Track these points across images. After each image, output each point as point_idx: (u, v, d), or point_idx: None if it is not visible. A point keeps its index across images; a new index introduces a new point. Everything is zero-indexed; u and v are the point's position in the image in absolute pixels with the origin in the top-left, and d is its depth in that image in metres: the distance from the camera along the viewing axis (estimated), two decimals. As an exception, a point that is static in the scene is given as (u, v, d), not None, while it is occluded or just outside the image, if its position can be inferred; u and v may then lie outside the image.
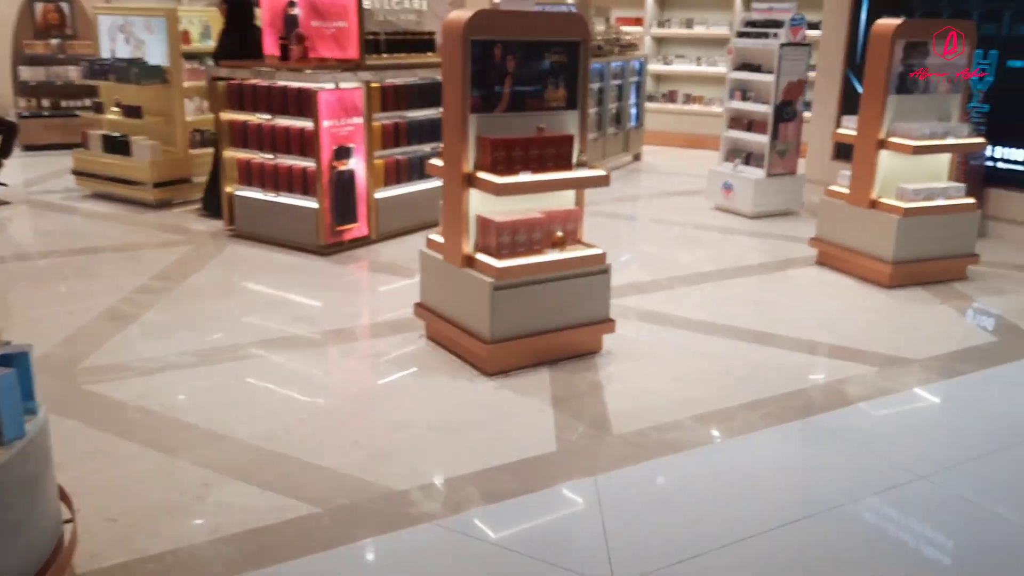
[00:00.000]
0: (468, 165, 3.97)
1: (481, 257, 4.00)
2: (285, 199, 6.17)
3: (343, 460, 3.22)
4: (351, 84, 6.03)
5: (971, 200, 5.60)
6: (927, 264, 5.50)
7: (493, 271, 3.91)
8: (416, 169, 6.71)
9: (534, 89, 4.07)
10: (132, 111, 7.37)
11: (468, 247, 4.07)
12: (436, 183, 6.83)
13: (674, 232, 6.92)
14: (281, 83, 6.02)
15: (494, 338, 3.95)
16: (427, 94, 6.71)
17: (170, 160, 7.38)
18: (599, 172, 4.13)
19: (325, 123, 5.83)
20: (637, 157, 10.41)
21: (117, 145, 7.47)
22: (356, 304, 5.20)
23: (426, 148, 6.81)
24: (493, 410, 3.68)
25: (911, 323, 4.87)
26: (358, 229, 6.24)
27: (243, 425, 3.48)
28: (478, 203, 4.05)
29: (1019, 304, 5.20)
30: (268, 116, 6.13)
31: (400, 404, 3.75)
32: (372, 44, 6.49)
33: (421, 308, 4.47)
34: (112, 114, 7.65)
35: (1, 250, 6.01)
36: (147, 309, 4.84)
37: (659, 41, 11.80)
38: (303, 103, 5.90)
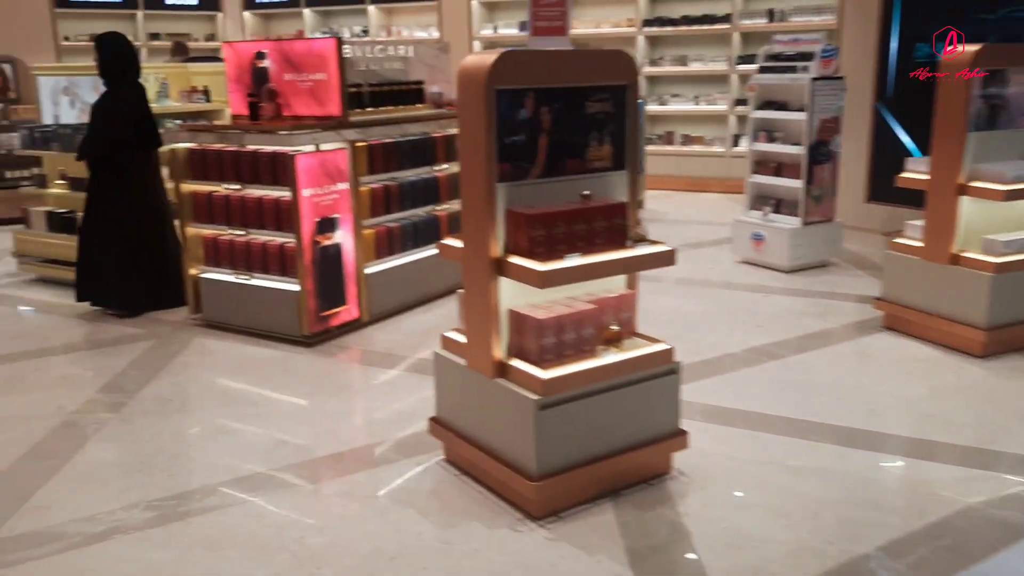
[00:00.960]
0: (497, 248, 3.08)
1: (519, 365, 3.10)
2: (260, 281, 5.24)
3: None
4: (333, 144, 5.16)
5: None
6: None
7: (537, 384, 3.01)
8: (410, 237, 5.83)
9: (574, 147, 3.22)
10: (79, 184, 6.42)
11: (500, 351, 3.16)
12: (432, 251, 5.95)
13: (708, 294, 6.07)
14: (251, 147, 5.14)
15: (542, 472, 3.03)
16: (419, 151, 5.86)
17: (125, 237, 6.43)
18: (662, 247, 3.26)
19: (305, 191, 4.94)
20: (641, 204, 9.62)
21: (63, 223, 6.52)
22: (351, 414, 4.25)
23: (420, 212, 5.93)
24: None
25: (1027, 405, 4.03)
26: (347, 312, 5.33)
27: (214, 625, 2.51)
28: (510, 293, 3.16)
29: None
30: (237, 186, 5.23)
31: (422, 572, 2.80)
32: (355, 97, 5.64)
33: (439, 425, 3.54)
34: (56, 187, 6.71)
35: (-81, 359, 5.02)
36: (90, 438, 3.87)
37: (652, 80, 11.10)
38: (278, 169, 5.01)
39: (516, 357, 3.15)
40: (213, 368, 4.81)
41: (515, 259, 3.03)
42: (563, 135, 3.18)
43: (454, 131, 6.16)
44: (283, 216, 5.06)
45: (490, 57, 2.98)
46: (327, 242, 5.12)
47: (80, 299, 5.78)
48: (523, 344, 3.13)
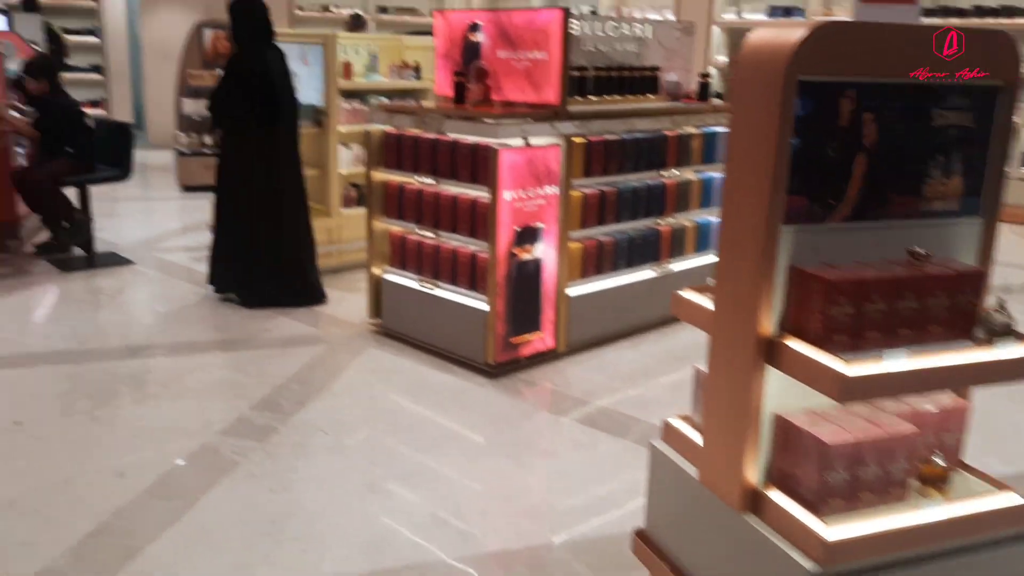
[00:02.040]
0: (770, 323, 2.03)
1: (786, 505, 2.04)
2: (446, 293, 4.48)
3: None
4: (546, 139, 4.28)
5: None
6: None
7: (816, 545, 1.93)
8: (624, 254, 4.84)
9: (907, 177, 2.09)
10: (276, 160, 5.99)
11: (755, 474, 2.12)
12: (648, 272, 4.94)
13: None
14: (451, 135, 4.36)
15: (808, 678, 1.97)
16: (647, 152, 4.85)
17: (317, 222, 5.94)
18: (1035, 348, 2.06)
19: (506, 194, 4.10)
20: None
21: (258, 200, 6.14)
22: (531, 489, 3.34)
23: (640, 225, 4.93)
24: None
25: None
26: (540, 340, 4.45)
27: None
28: (777, 386, 2.10)
29: None
30: (431, 180, 4.49)
31: None
32: (577, 83, 4.72)
33: (647, 546, 2.55)
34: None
35: (79, 338, 4.70)
36: (225, 474, 3.24)
37: None
38: (478, 165, 4.20)
39: (780, 488, 2.09)
40: (380, 392, 4.09)
41: (799, 346, 1.97)
42: (893, 157, 2.06)
43: (691, 130, 5.09)
44: (478, 221, 4.25)
45: (794, 32, 1.92)
46: (526, 256, 4.25)
47: (208, 281, 5.39)
48: (794, 471, 2.06)
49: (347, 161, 6.11)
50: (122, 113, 11.54)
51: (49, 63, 6.46)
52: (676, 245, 5.16)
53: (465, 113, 4.30)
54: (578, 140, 4.44)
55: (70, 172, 6.06)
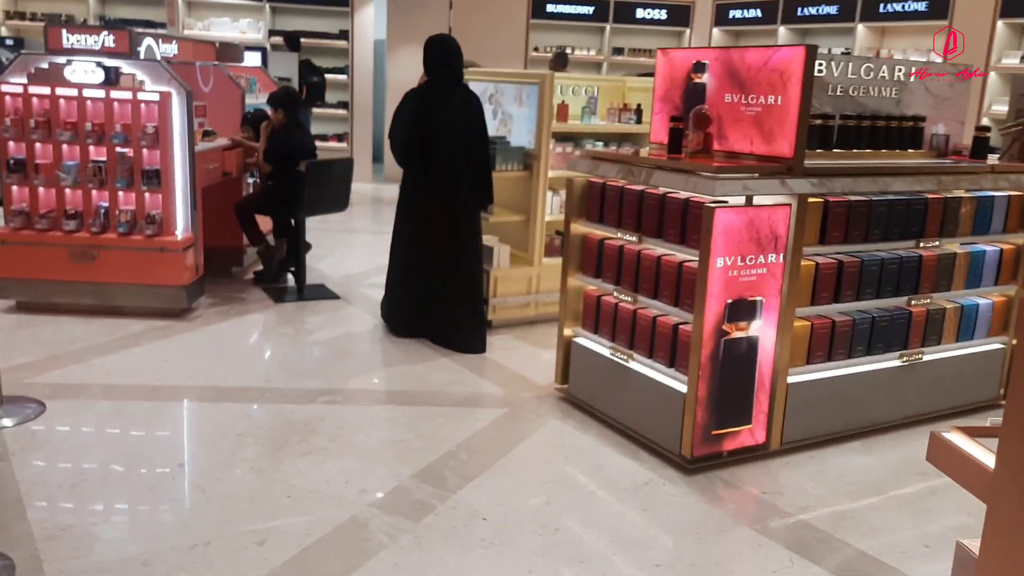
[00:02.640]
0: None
1: None
2: (641, 367, 3.93)
3: None
4: (773, 198, 3.63)
5: None
6: None
7: None
8: (863, 339, 4.03)
9: None
10: (482, 204, 5.76)
11: None
12: (892, 361, 4.10)
13: None
14: (661, 189, 3.84)
15: None
16: (902, 218, 4.04)
17: (517, 271, 5.63)
18: None
19: (719, 260, 3.49)
20: None
21: (462, 243, 5.93)
22: (721, 622, 2.70)
23: (884, 304, 4.10)
24: None
25: None
26: (748, 433, 3.76)
27: None
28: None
29: None
30: (635, 237, 3.97)
31: None
32: (818, 132, 4.03)
33: None
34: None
35: (267, 374, 4.64)
36: (365, 561, 2.89)
37: None
38: (689, 223, 3.65)
39: None
40: (554, 477, 3.60)
41: None
42: None
43: (960, 193, 4.20)
44: (684, 288, 3.67)
45: None
46: (739, 333, 3.60)
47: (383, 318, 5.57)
48: None
49: (554, 208, 5.75)
50: (362, 147, 12.09)
51: (290, 96, 6.69)
52: (931, 331, 4.25)
53: (678, 164, 3.75)
54: (814, 200, 3.74)
55: (268, 204, 6.24)
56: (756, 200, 3.58)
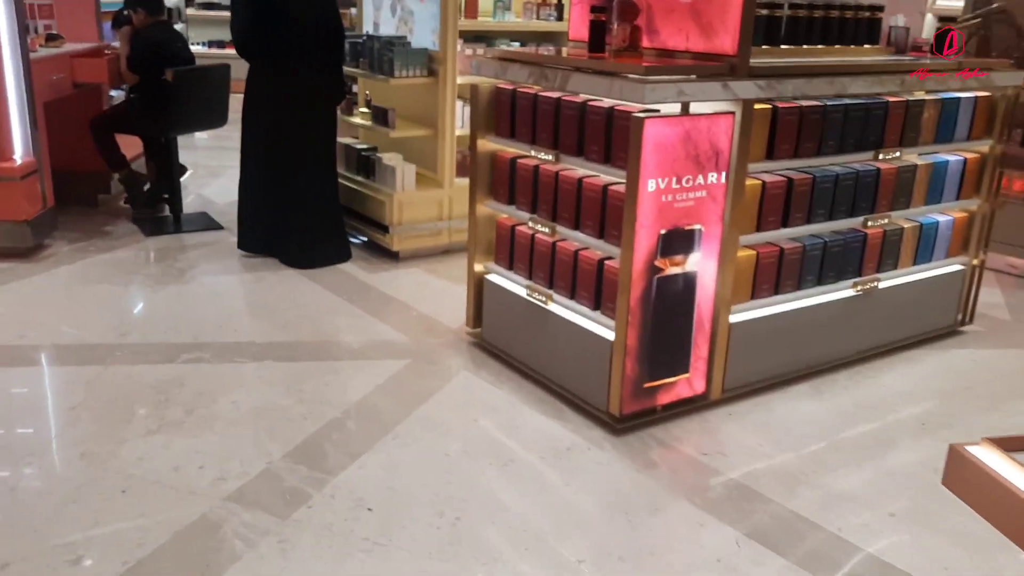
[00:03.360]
0: None
1: None
2: (562, 310, 3.34)
3: None
4: (714, 105, 3.00)
5: None
6: None
7: None
8: (813, 268, 3.51)
9: None
10: (380, 115, 5.00)
11: None
12: (845, 291, 3.61)
13: None
14: (581, 95, 3.17)
15: None
16: (859, 126, 3.47)
17: (425, 194, 4.92)
18: None
19: (651, 183, 2.87)
20: None
21: (361, 163, 5.19)
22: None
23: (838, 227, 3.57)
24: None
25: None
26: (686, 383, 3.23)
27: None
28: None
29: None
30: (551, 155, 3.31)
31: None
32: (767, 25, 3.40)
33: None
34: (359, 116, 5.37)
35: (122, 327, 3.92)
36: (218, 573, 2.29)
37: None
38: (614, 139, 3.00)
39: None
40: (462, 446, 3.02)
41: None
42: None
43: (922, 95, 3.65)
44: (610, 216, 3.06)
45: None
46: (674, 269, 3.02)
47: (239, 245, 4.97)
48: None
49: (465, 120, 5.02)
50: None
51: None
52: (888, 255, 3.76)
53: (601, 65, 3.07)
54: (761, 107, 3.13)
55: (132, 120, 5.34)
56: (693, 108, 2.95)
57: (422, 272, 4.77)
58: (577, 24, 3.62)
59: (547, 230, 3.36)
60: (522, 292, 3.51)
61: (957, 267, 4.08)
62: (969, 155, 3.93)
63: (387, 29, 5.25)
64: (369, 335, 3.91)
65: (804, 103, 3.27)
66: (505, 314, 3.64)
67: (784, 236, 3.40)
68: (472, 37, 5.05)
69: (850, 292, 3.65)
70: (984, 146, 3.96)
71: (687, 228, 3.00)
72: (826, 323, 3.61)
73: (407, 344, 3.83)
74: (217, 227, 5.40)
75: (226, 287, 4.47)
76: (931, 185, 3.83)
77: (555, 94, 3.26)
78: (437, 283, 4.61)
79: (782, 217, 3.37)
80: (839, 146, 3.44)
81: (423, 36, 4.96)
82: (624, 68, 2.94)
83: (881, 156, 3.56)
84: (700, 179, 2.98)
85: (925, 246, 3.91)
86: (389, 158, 4.96)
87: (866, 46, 3.81)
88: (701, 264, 3.09)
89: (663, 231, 2.95)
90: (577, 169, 3.23)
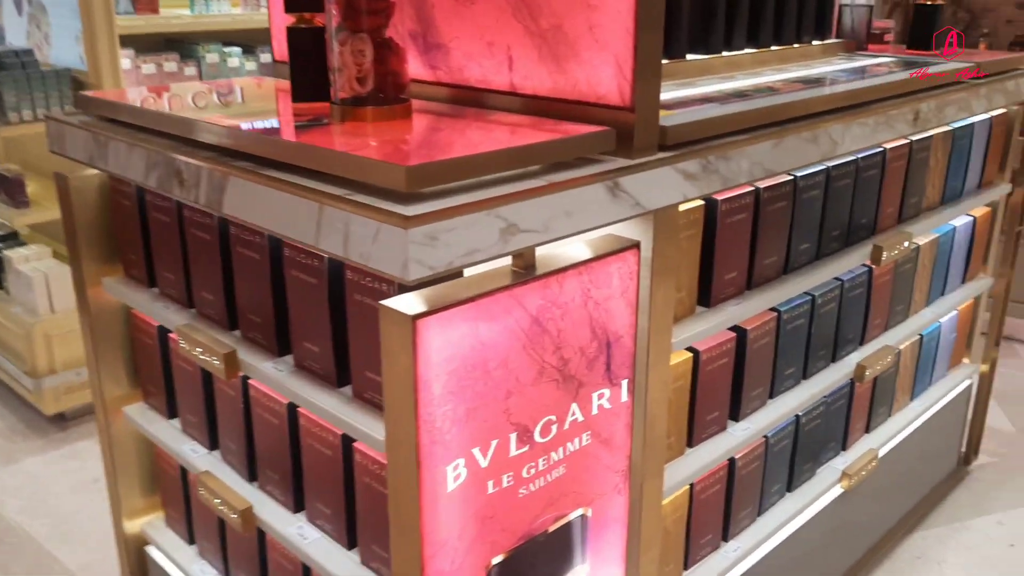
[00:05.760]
0: None
1: None
2: None
3: None
4: (590, 234, 1.23)
5: None
6: None
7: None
8: (778, 471, 1.85)
9: None
10: (5, 185, 2.91)
11: None
12: (829, 489, 1.95)
13: None
14: (260, 230, 1.30)
15: None
16: (846, 205, 1.81)
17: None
18: None
19: (450, 470, 1.07)
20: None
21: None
22: None
23: (820, 385, 1.91)
24: None
25: None
26: None
27: None
28: None
29: None
30: (217, 352, 1.44)
31: None
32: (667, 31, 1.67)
33: None
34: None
35: None
36: None
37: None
38: (353, 335, 1.17)
39: None
40: None
41: None
42: None
43: (929, 131, 2.05)
44: (364, 507, 1.23)
45: None
46: (533, 629, 1.25)
47: None
48: None
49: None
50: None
51: None
52: (880, 401, 2.18)
53: (296, 155, 1.20)
54: (688, 207, 1.40)
55: None
56: (541, 253, 1.17)
57: (93, 444, 2.76)
58: (278, 40, 1.75)
59: (235, 516, 1.48)
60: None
61: (963, 383, 2.57)
62: (978, 213, 2.41)
63: (16, 38, 3.15)
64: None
65: (763, 183, 1.57)
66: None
67: (735, 438, 1.71)
68: (161, 43, 3.06)
69: (837, 490, 2.03)
70: (996, 194, 2.44)
71: (553, 529, 1.24)
72: (806, 550, 1.98)
73: None
74: None
75: None
76: (934, 273, 2.28)
77: (210, 219, 1.39)
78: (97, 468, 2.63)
79: (730, 403, 1.69)
80: (816, 248, 1.79)
81: (65, 47, 2.92)
82: (354, 166, 1.10)
83: (875, 244, 1.93)
84: (575, 413, 1.22)
85: (924, 367, 2.37)
86: (27, 256, 2.91)
87: (814, 43, 2.18)
88: (596, 560, 1.35)
89: (496, 560, 1.18)
90: (284, 379, 1.38)
